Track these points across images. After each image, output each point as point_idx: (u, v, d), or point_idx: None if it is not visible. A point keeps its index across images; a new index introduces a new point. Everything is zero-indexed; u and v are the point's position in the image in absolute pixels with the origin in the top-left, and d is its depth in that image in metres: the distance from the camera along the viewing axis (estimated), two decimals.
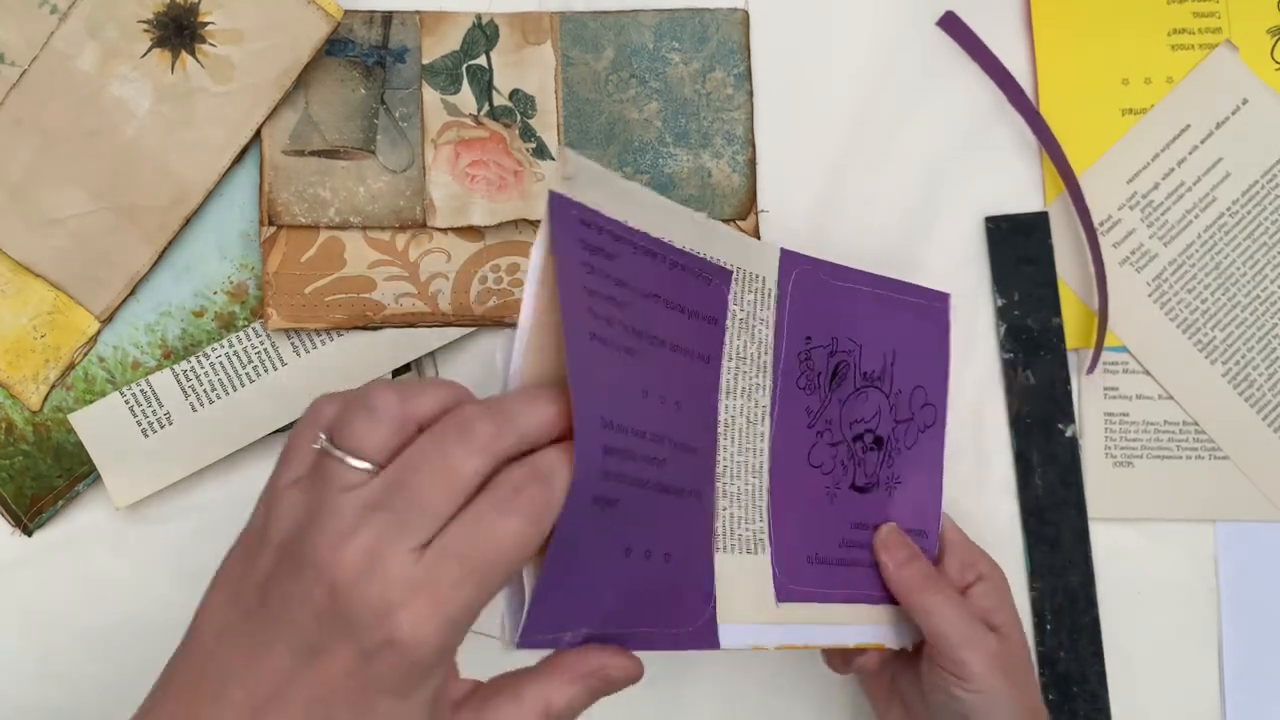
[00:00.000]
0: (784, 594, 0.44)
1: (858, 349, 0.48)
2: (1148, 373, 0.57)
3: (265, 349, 0.53)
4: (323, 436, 0.32)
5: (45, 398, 0.52)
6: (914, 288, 0.51)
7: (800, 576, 0.45)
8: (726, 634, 0.40)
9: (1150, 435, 0.57)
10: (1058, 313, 0.57)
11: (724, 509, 0.42)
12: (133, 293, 0.52)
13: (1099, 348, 0.56)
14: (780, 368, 0.45)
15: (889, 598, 0.48)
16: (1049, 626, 0.56)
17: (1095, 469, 0.56)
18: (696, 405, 0.40)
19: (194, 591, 0.33)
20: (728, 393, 0.42)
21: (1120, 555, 0.56)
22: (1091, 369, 0.56)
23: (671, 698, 0.55)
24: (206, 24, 0.52)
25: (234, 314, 0.53)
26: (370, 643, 0.30)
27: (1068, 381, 0.56)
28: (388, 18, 0.54)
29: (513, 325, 0.36)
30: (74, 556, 0.53)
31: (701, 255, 0.40)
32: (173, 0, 0.52)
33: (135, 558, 0.53)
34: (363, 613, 0.30)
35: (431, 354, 0.54)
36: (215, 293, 0.53)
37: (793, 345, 0.45)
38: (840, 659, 0.50)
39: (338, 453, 0.32)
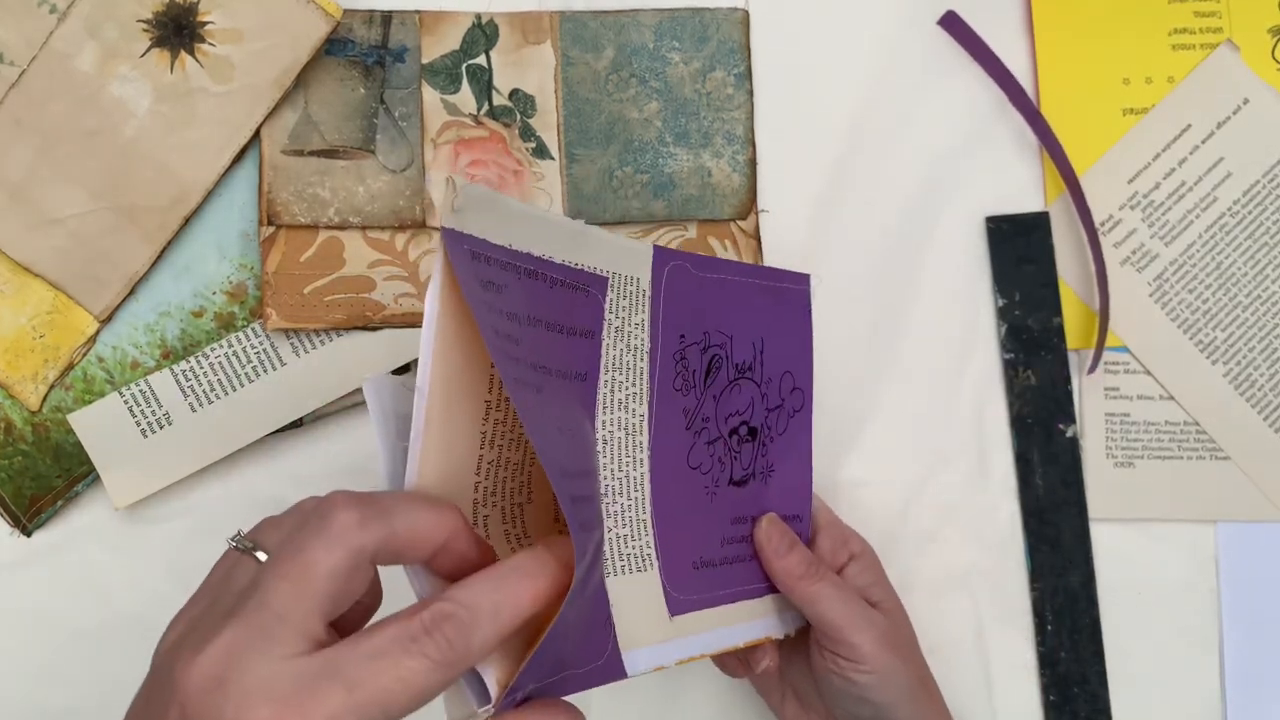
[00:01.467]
0: (676, 607, 0.42)
1: (729, 341, 0.47)
2: (1149, 373, 0.57)
3: (264, 349, 0.53)
4: (241, 530, 0.29)
5: (44, 398, 0.52)
6: (776, 271, 0.50)
7: (688, 585, 0.43)
8: (630, 660, 0.38)
9: (1151, 435, 0.56)
10: (1058, 313, 0.56)
11: (609, 530, 0.40)
12: (132, 293, 0.52)
13: (1100, 348, 0.56)
14: (656, 372, 0.43)
15: (769, 588, 0.47)
16: (1049, 627, 0.55)
17: (1096, 469, 0.56)
18: (583, 429, 0.39)
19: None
20: (605, 407, 0.41)
21: (1121, 556, 0.56)
22: (1092, 369, 0.56)
23: (669, 697, 0.55)
24: (206, 24, 0.52)
25: (233, 314, 0.53)
26: None
27: (1068, 382, 0.56)
28: (387, 17, 0.54)
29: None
30: (73, 557, 0.53)
31: (579, 266, 0.39)
32: (172, 0, 0.52)
33: (135, 558, 0.53)
34: None
35: None
36: (214, 293, 0.53)
37: (668, 346, 0.44)
38: (738, 663, 0.49)
39: (234, 542, 0.29)
